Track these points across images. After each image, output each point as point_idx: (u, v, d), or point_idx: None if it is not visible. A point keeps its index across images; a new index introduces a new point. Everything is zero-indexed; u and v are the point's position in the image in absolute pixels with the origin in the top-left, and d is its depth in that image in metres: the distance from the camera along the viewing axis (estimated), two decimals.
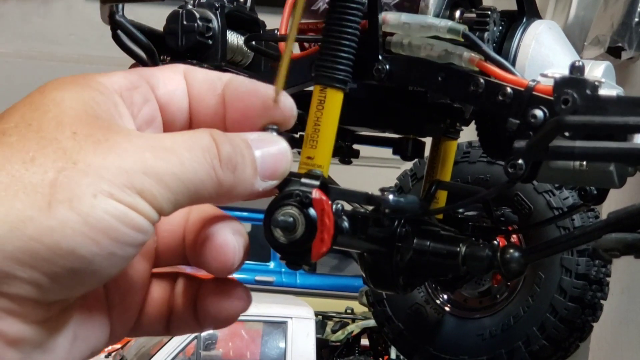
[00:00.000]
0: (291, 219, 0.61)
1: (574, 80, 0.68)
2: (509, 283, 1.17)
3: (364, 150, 1.01)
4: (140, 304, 0.61)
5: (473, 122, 0.92)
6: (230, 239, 0.58)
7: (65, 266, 0.49)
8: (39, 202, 0.48)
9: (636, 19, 2.23)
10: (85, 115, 0.52)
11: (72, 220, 0.48)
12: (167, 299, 0.62)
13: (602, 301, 1.17)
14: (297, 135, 0.94)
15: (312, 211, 0.62)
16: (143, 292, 0.61)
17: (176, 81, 0.60)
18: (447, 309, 1.21)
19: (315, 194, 0.61)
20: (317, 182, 0.64)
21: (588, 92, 0.67)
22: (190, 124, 0.60)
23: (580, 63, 0.69)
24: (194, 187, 0.53)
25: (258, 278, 6.81)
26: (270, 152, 0.58)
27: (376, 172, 3.89)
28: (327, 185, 0.66)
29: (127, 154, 0.51)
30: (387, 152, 0.99)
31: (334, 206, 0.65)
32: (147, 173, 0.51)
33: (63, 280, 0.50)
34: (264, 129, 0.60)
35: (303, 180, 0.64)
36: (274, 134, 0.59)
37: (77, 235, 0.49)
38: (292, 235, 0.61)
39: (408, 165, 1.16)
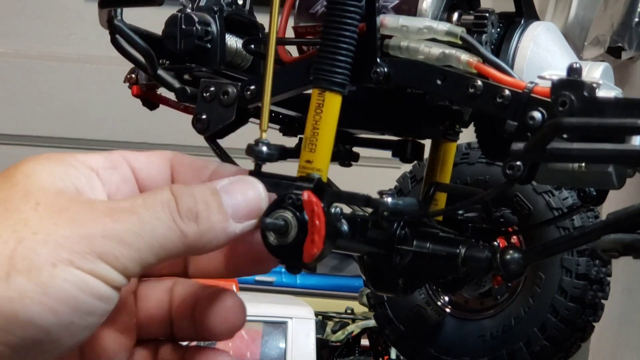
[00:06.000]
0: (282, 222, 0.61)
1: (571, 82, 0.68)
2: (509, 284, 1.17)
3: (364, 150, 1.01)
4: None
5: (472, 124, 0.93)
6: (238, 299, 0.60)
7: (24, 336, 0.50)
8: None
9: (636, 19, 2.23)
10: (52, 186, 0.53)
11: (30, 290, 0.49)
12: None
13: (603, 301, 1.17)
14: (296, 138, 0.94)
15: (305, 213, 0.62)
16: None
17: (160, 167, 0.61)
18: (448, 310, 1.21)
19: (305, 195, 0.61)
20: (310, 185, 0.65)
21: (585, 94, 0.68)
22: None
23: (578, 65, 0.69)
24: (158, 242, 0.53)
25: (258, 278, 6.81)
26: (242, 195, 0.58)
27: (377, 172, 3.90)
28: (322, 188, 0.66)
29: (86, 220, 0.51)
30: (387, 152, 0.99)
31: (333, 209, 0.65)
32: (107, 236, 0.51)
33: (23, 350, 0.50)
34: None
35: (298, 183, 0.65)
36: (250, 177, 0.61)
37: (35, 305, 0.49)
38: (284, 238, 0.61)
39: (408, 165, 1.17)
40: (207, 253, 0.58)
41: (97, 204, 0.53)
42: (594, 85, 0.69)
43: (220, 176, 0.61)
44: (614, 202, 0.90)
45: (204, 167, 0.62)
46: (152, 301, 0.62)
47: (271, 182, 0.63)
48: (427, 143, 0.97)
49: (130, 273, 0.52)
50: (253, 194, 0.59)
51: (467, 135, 0.99)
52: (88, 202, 0.54)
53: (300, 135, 0.94)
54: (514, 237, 1.12)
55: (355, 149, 0.99)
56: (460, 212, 0.94)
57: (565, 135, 0.67)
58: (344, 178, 0.92)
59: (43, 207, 0.51)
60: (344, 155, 0.96)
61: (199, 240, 0.55)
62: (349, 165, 0.98)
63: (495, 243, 0.96)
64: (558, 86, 0.68)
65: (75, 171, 0.55)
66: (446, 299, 1.21)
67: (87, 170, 0.56)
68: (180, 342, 0.64)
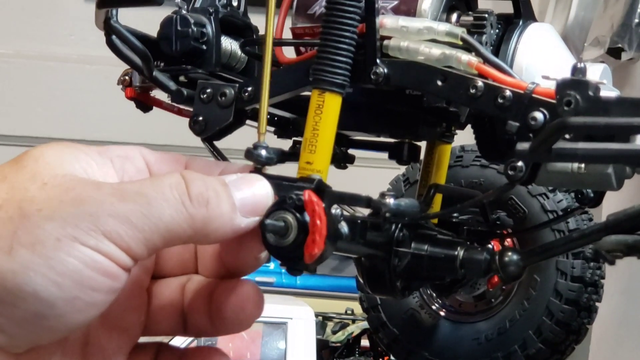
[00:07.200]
0: (282, 223, 0.61)
1: (577, 82, 0.68)
2: (504, 287, 1.17)
3: (363, 151, 1.01)
4: None
5: (468, 125, 0.92)
6: (255, 287, 0.60)
7: (28, 310, 0.49)
8: (1, 246, 0.49)
9: (636, 20, 2.23)
10: (60, 169, 0.53)
11: (34, 263, 0.49)
12: None
13: (597, 303, 1.16)
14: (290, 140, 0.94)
15: (305, 214, 0.62)
16: None
17: (174, 165, 0.62)
18: (442, 313, 1.20)
19: (306, 195, 0.61)
20: (311, 185, 0.64)
21: (590, 93, 0.68)
22: None
23: (582, 64, 0.70)
24: (164, 224, 0.53)
25: (258, 279, 6.79)
26: (250, 190, 0.59)
27: (375, 173, 3.89)
28: (323, 189, 0.65)
29: (92, 199, 0.51)
30: (383, 153, 0.98)
31: (333, 211, 0.64)
32: (113, 215, 0.51)
33: (28, 325, 0.50)
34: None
35: (298, 184, 0.64)
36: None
37: (39, 277, 0.49)
38: (285, 240, 0.61)
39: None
40: (211, 243, 0.58)
41: (104, 185, 0.53)
42: (599, 85, 0.69)
43: (227, 172, 0.61)
44: (614, 203, 0.90)
45: (215, 166, 0.63)
46: (165, 298, 0.62)
47: (272, 183, 0.63)
48: (423, 145, 0.97)
49: (135, 254, 0.52)
50: (261, 191, 0.60)
51: (461, 138, 0.99)
52: (95, 182, 0.54)
53: (295, 138, 0.93)
54: (508, 239, 1.11)
55: (352, 151, 0.99)
56: (455, 214, 0.94)
57: (567, 136, 0.67)
58: (344, 179, 0.91)
59: (50, 186, 0.51)
60: (340, 157, 0.96)
61: (206, 226, 0.55)
62: (345, 167, 0.98)
63: (489, 245, 0.95)
64: (563, 86, 0.68)
65: (87, 157, 0.56)
66: (440, 302, 1.21)
67: (100, 157, 0.57)
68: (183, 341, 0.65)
